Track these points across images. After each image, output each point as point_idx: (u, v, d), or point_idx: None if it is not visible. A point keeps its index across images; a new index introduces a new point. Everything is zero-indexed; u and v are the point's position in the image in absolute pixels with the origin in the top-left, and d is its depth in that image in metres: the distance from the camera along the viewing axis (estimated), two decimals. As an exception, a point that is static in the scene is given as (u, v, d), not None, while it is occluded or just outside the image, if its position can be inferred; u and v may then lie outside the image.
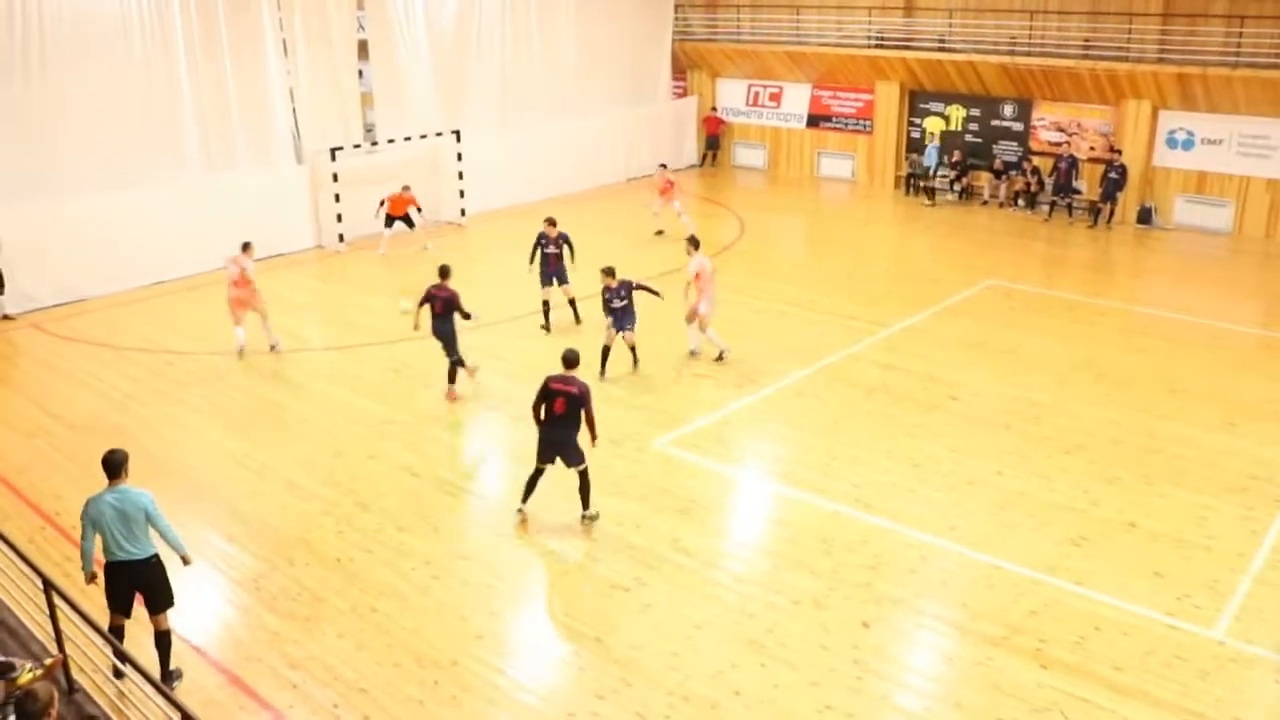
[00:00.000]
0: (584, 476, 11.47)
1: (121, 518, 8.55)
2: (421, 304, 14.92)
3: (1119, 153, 24.91)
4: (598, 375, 15.30)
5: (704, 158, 32.70)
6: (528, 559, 11.10)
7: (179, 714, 6.74)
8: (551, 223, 17.59)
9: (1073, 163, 25.83)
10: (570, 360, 11.37)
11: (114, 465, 8.64)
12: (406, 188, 22.12)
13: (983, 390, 15.31)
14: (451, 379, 15.01)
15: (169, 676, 8.91)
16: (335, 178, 22.56)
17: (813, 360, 16.35)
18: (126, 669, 7.99)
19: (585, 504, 11.58)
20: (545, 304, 17.57)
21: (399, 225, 22.26)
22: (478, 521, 11.93)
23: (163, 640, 8.92)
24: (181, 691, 8.53)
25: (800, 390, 15.33)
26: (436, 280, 15.01)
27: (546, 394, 11.24)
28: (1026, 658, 9.42)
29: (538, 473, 11.54)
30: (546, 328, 17.51)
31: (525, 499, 11.67)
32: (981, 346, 16.94)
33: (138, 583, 8.74)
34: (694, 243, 16.41)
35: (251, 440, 13.74)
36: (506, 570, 10.83)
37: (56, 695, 6.68)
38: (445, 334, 14.86)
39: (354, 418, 14.36)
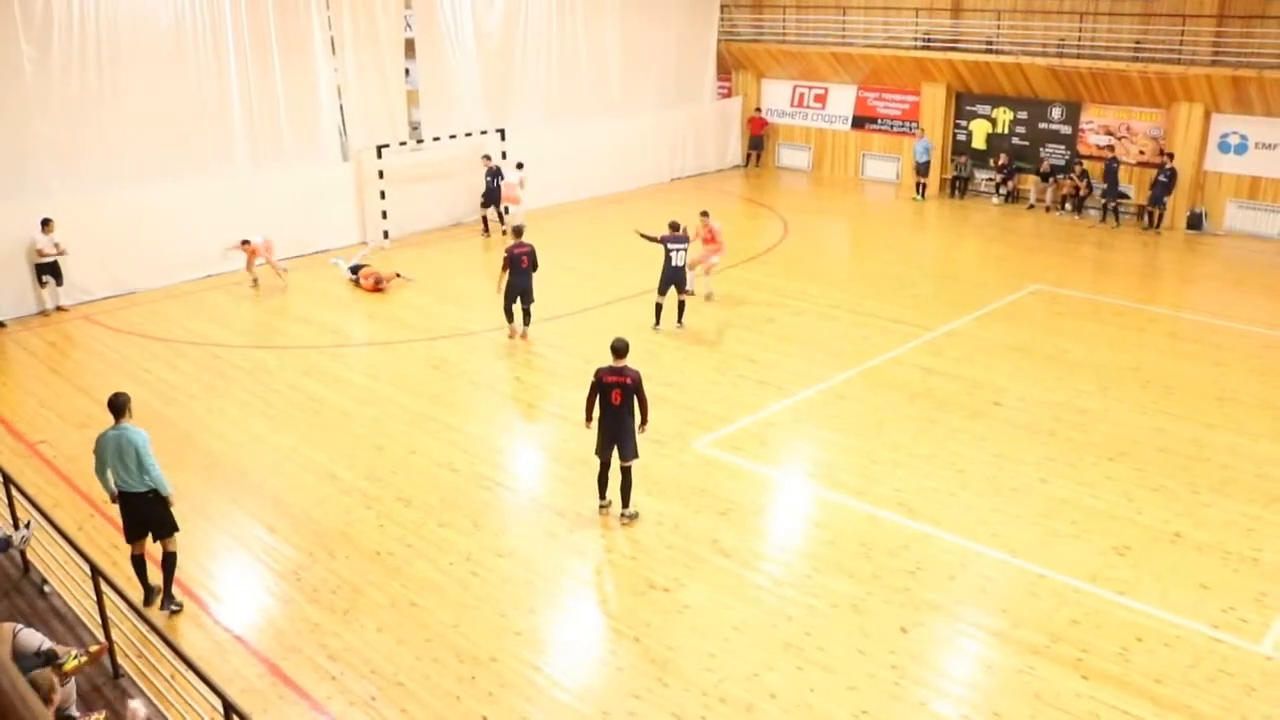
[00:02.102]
0: (629, 474, 11.49)
1: (119, 453, 9.50)
2: (504, 267, 16.47)
3: (1170, 156, 24.56)
4: (652, 327, 17.34)
5: (748, 158, 32.62)
6: (567, 557, 11.12)
7: (220, 701, 6.84)
8: (675, 226, 17.41)
9: (1113, 165, 25.56)
10: (620, 349, 11.30)
11: (116, 407, 9.71)
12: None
13: (1027, 396, 15.16)
14: (526, 321, 16.94)
15: (167, 600, 9.87)
16: (381, 175, 22.73)
17: (855, 363, 16.27)
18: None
19: (625, 502, 11.60)
20: (658, 306, 17.64)
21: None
22: (517, 519, 11.97)
23: (167, 561, 9.88)
24: (222, 680, 8.61)
25: (842, 393, 15.26)
26: (514, 241, 16.75)
27: (601, 387, 11.21)
28: (1067, 667, 9.32)
29: (605, 466, 11.55)
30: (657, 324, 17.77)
31: (603, 494, 11.73)
32: (1026, 351, 16.78)
33: (140, 513, 9.70)
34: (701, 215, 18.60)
35: (295, 433, 13.89)
36: (545, 568, 10.86)
37: (57, 682, 6.97)
38: (526, 286, 16.65)
39: (395, 413, 14.47)
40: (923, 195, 28.31)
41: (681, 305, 17.51)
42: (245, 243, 20.02)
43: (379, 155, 22.68)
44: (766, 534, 11.79)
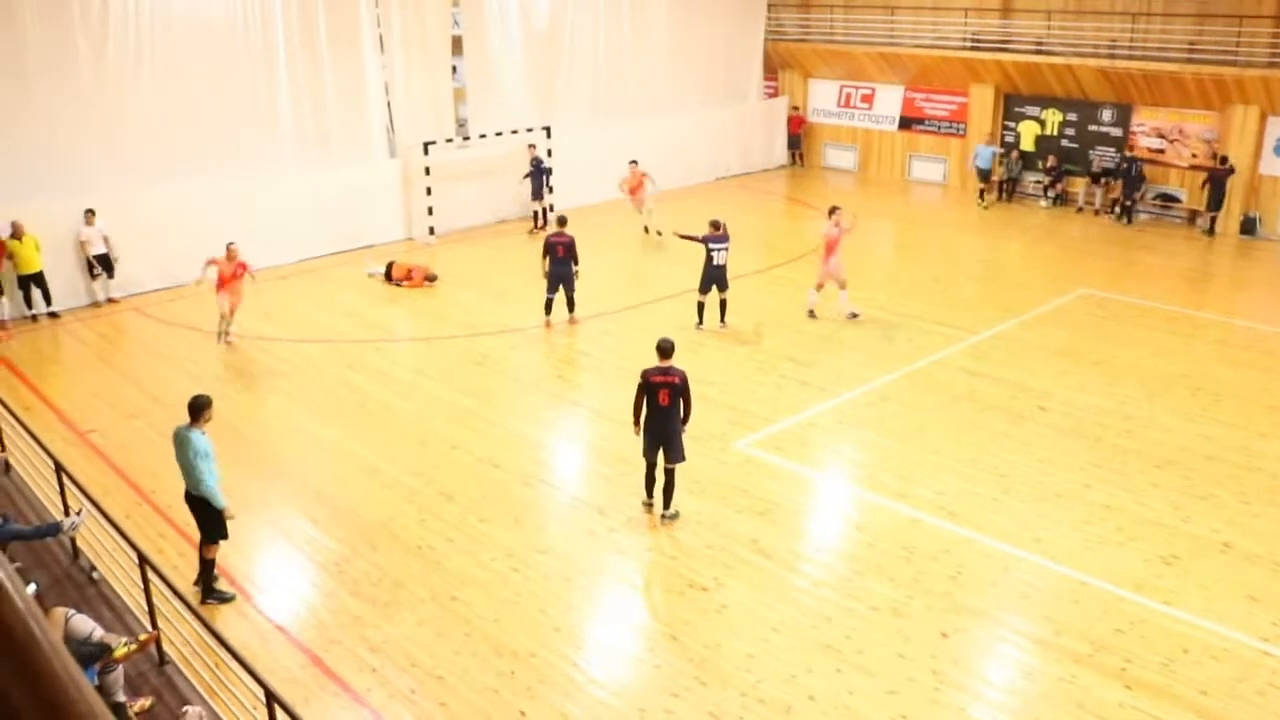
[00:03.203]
0: (673, 476, 11.50)
1: (180, 452, 9.76)
2: (545, 254, 17.30)
3: (1224, 160, 24.11)
4: (695, 326, 17.39)
5: (793, 157, 32.51)
6: (607, 555, 11.14)
7: (263, 690, 6.92)
8: (716, 225, 17.34)
9: (1134, 164, 25.61)
10: (666, 350, 11.31)
11: (192, 409, 9.78)
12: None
13: (1073, 401, 14.98)
14: (569, 309, 17.69)
15: (205, 594, 10.06)
16: (427, 171, 22.88)
17: (899, 365, 16.17)
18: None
19: (667, 504, 11.60)
20: (700, 305, 17.60)
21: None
22: (558, 516, 12.01)
23: (203, 565, 10.06)
24: (264, 669, 8.71)
25: (886, 395, 15.17)
26: (557, 230, 17.58)
27: (648, 388, 11.21)
28: (1110, 677, 9.21)
29: (651, 467, 11.57)
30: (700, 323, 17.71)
31: (650, 493, 11.76)
32: (1073, 356, 16.58)
33: (193, 512, 10.00)
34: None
35: (338, 427, 14.02)
36: (586, 565, 10.89)
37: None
38: (566, 275, 17.31)
39: (438, 408, 14.57)
40: (984, 201, 27.56)
41: (724, 304, 17.49)
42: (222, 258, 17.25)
43: (426, 152, 22.84)
44: (807, 535, 11.75)
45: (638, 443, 11.65)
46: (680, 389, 11.17)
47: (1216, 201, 24.26)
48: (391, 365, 16.26)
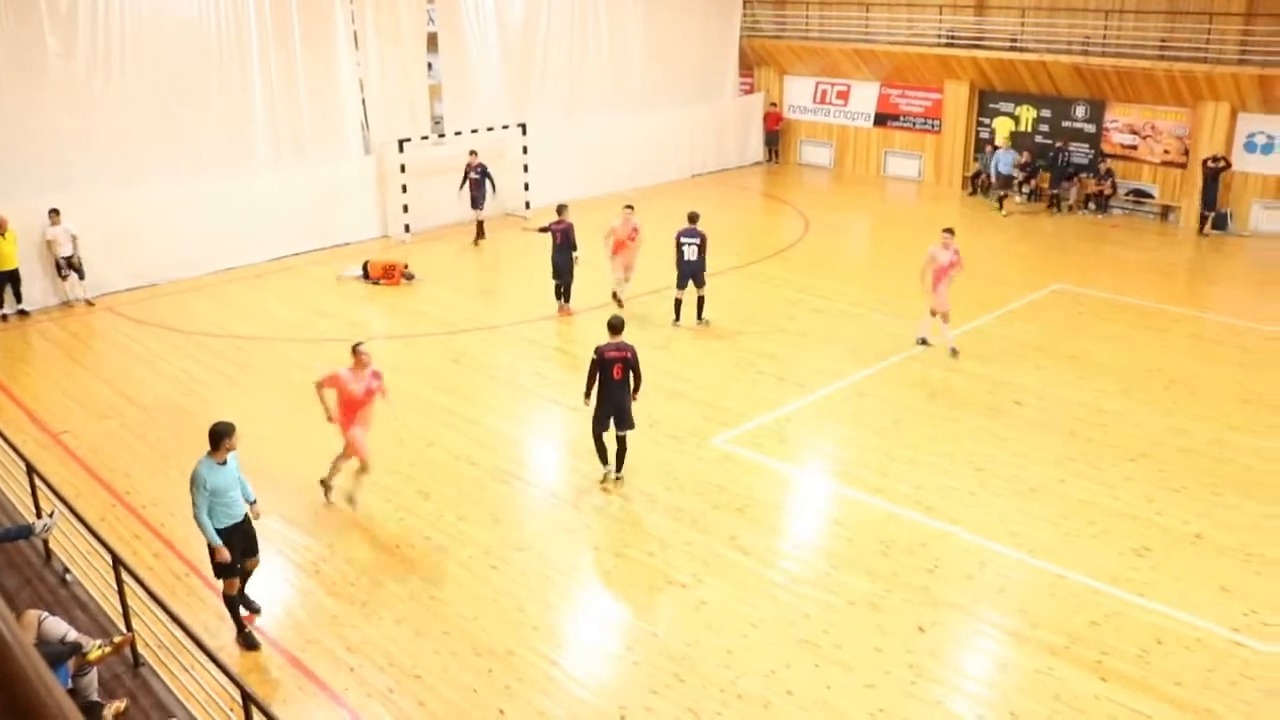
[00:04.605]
0: (625, 442, 12.25)
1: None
2: (543, 229, 17.89)
3: (1220, 158, 24.10)
4: (672, 323, 17.50)
5: (769, 154, 32.56)
6: (585, 552, 11.14)
7: (239, 692, 6.88)
8: (692, 218, 17.48)
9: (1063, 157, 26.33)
10: (617, 326, 12.18)
11: (209, 436, 9.16)
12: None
13: (1048, 395, 15.08)
14: (566, 299, 18.11)
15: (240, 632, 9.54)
16: (403, 169, 22.79)
17: (875, 361, 16.22)
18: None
19: (620, 466, 12.31)
20: (678, 301, 17.69)
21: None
22: (535, 513, 12.00)
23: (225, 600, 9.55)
24: (241, 670, 8.69)
25: (862, 390, 15.22)
26: (559, 217, 17.75)
27: (603, 363, 11.87)
28: (1086, 669, 9.27)
29: (599, 437, 12.22)
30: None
31: (605, 460, 12.32)
32: (1047, 351, 16.68)
33: None
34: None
35: (314, 427, 13.89)
36: (563, 563, 10.88)
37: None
38: (562, 263, 17.70)
39: (415, 406, 14.50)
40: (1003, 209, 26.49)
41: (700, 301, 17.50)
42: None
43: (400, 149, 22.74)
44: (785, 531, 11.79)
45: (593, 418, 12.17)
46: (632, 363, 11.96)
47: (1210, 200, 24.35)
48: (368, 363, 16.16)
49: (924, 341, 16.74)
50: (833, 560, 10.97)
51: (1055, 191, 26.40)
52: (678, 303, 17.49)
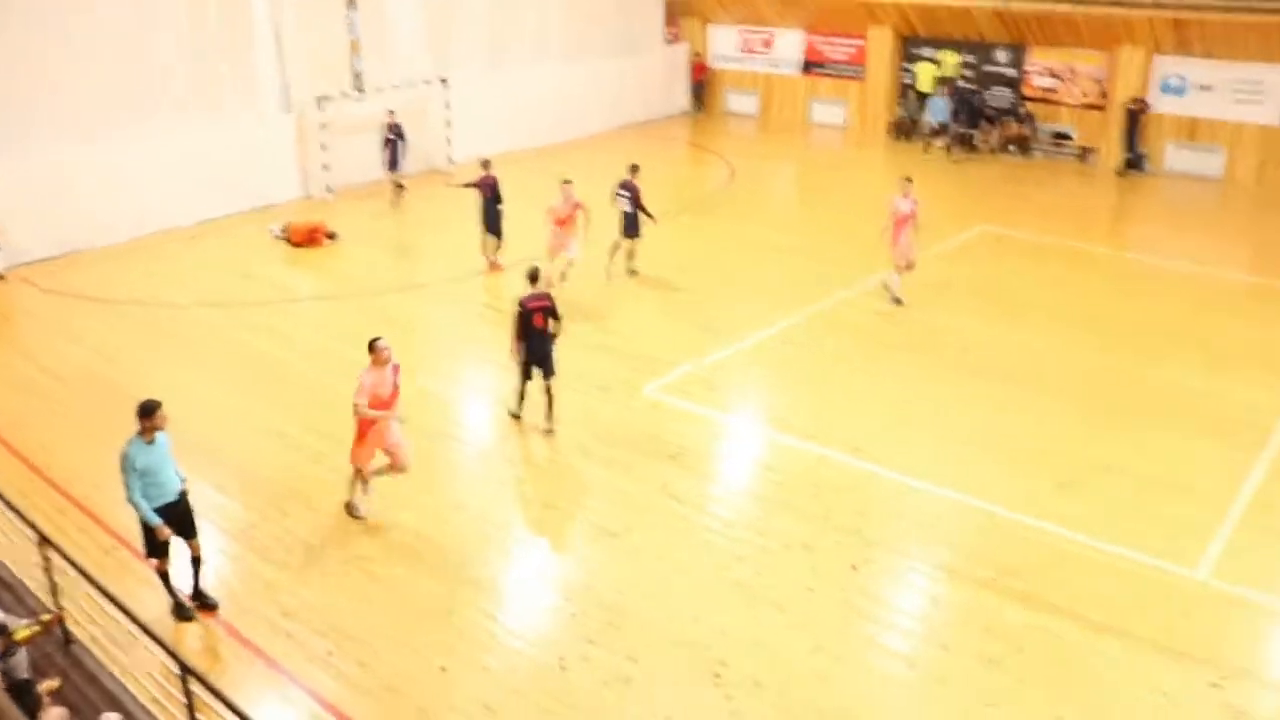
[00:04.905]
0: (551, 390, 12.37)
1: None
2: (468, 185, 17.95)
3: (1140, 100, 24.59)
4: (605, 273, 17.46)
5: (695, 104, 32.47)
6: (520, 507, 11.17)
7: (176, 664, 6.82)
8: (632, 170, 17.54)
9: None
10: (535, 276, 12.32)
11: (137, 414, 8.88)
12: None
13: (975, 335, 15.35)
14: (495, 250, 17.88)
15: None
16: (323, 126, 22.37)
17: (804, 306, 16.36)
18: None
19: (550, 415, 12.43)
20: (613, 251, 17.70)
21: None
22: (470, 471, 11.99)
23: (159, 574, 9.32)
24: (176, 642, 8.62)
25: (790, 336, 15.36)
26: (484, 172, 17.66)
27: (526, 314, 12.04)
28: (1013, 599, 9.53)
29: (524, 384, 12.53)
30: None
31: (520, 406, 12.65)
32: (974, 292, 16.94)
33: None
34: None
35: (241, 392, 13.76)
36: (499, 518, 10.90)
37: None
38: (490, 218, 17.63)
39: (344, 368, 14.27)
40: (948, 152, 26.77)
41: (631, 253, 17.50)
42: None
43: (320, 107, 22.31)
44: (716, 477, 11.91)
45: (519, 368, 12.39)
46: (552, 310, 12.18)
47: (1131, 141, 24.84)
48: (294, 327, 15.96)
49: (898, 301, 16.43)
50: (765, 504, 11.12)
51: (971, 132, 26.76)
52: (613, 253, 17.52)
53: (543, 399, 12.39)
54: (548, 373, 12.31)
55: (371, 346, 10.52)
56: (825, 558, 10.11)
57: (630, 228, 17.18)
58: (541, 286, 12.39)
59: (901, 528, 10.70)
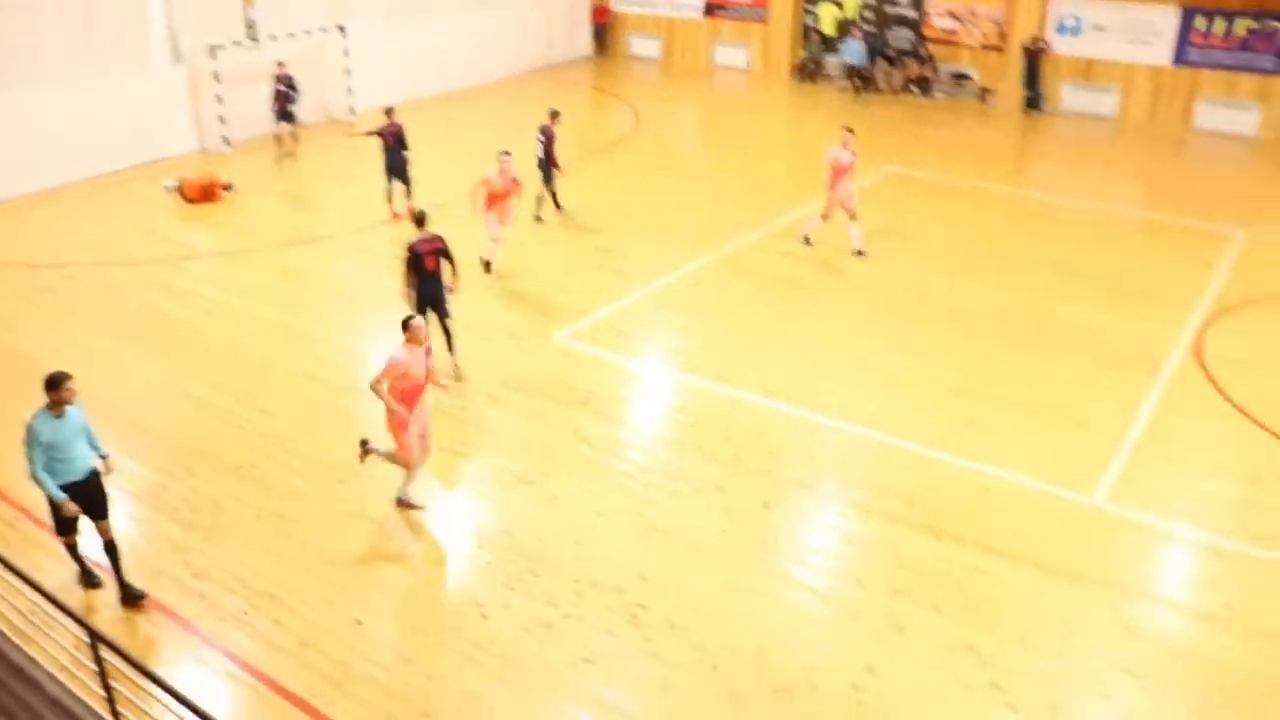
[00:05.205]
0: (450, 329, 12.43)
1: None
2: (371, 134, 17.69)
3: (1039, 40, 25.00)
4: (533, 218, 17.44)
5: (598, 47, 32.17)
6: (434, 456, 11.08)
7: (85, 631, 6.70)
8: (552, 115, 17.40)
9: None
10: (422, 218, 12.32)
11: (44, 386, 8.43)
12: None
13: (880, 275, 15.59)
14: (407, 198, 17.53)
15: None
16: (216, 77, 21.70)
17: (711, 249, 16.45)
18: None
19: (452, 350, 12.51)
20: (552, 195, 17.71)
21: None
22: (380, 424, 11.84)
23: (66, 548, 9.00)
24: (84, 610, 8.47)
25: (699, 280, 15.45)
26: (388, 120, 17.44)
27: (417, 256, 12.03)
28: (922, 532, 9.80)
29: (445, 333, 12.38)
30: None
31: (451, 353, 12.52)
32: (879, 232, 17.14)
33: None
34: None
35: (143, 351, 13.42)
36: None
37: None
38: (395, 165, 17.45)
39: (248, 324, 14.09)
40: (857, 93, 27.13)
41: (539, 199, 17.42)
42: None
43: (213, 56, 21.62)
44: (629, 422, 11.98)
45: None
46: (445, 252, 12.20)
47: (1031, 81, 25.29)
48: (195, 283, 15.55)
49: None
50: (677, 448, 11.22)
51: (869, 72, 27.05)
52: (538, 199, 17.57)
53: (443, 341, 12.35)
54: (443, 315, 12.31)
55: (406, 325, 9.65)
56: (738, 499, 10.27)
57: (545, 174, 17.15)
58: (421, 209, 12.49)
59: (812, 466, 10.90)
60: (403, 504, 10.16)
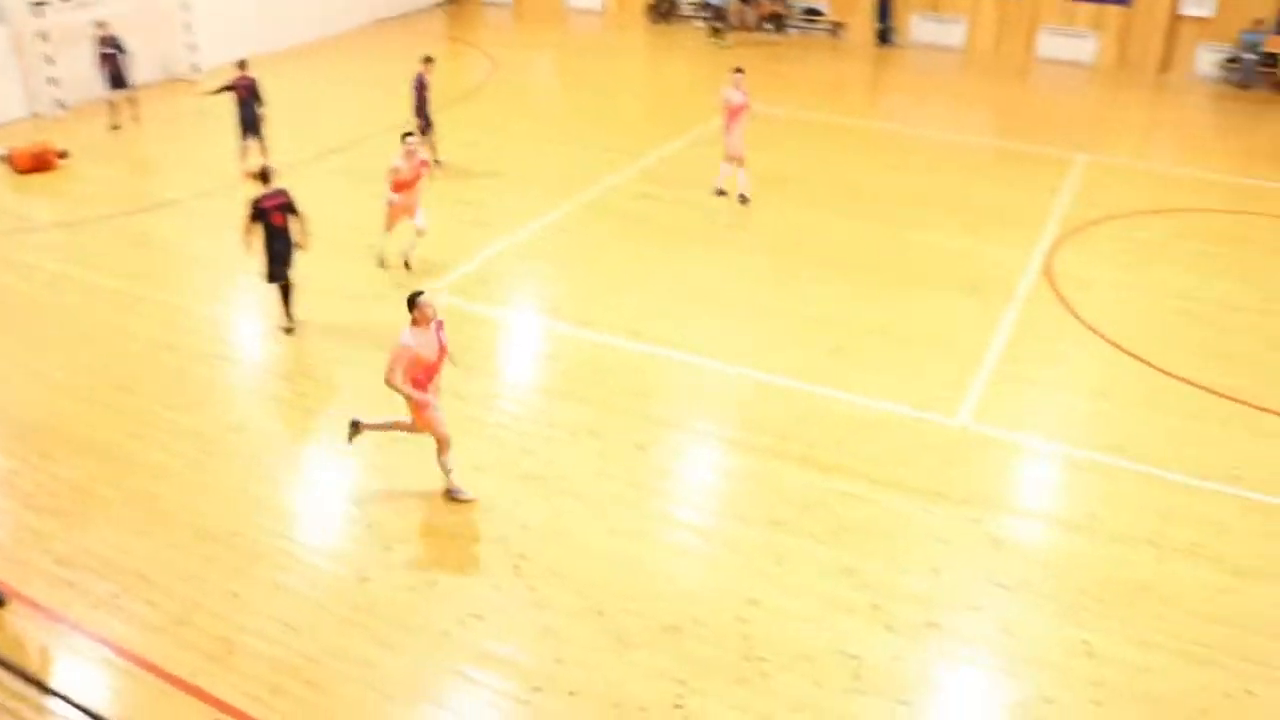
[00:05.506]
0: (290, 284, 12.28)
1: None
2: (223, 89, 16.99)
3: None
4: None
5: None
6: (300, 423, 10.89)
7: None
8: (427, 60, 17.16)
9: None
10: (267, 174, 12.06)
11: None
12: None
13: (742, 213, 15.75)
14: (263, 154, 16.80)
15: None
16: (42, 36, 20.52)
17: (573, 194, 16.38)
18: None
19: (289, 314, 12.38)
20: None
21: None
22: (246, 390, 11.57)
23: None
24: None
25: (563, 226, 15.38)
26: (240, 73, 16.85)
27: (263, 212, 11.82)
28: (795, 462, 10.03)
29: (283, 288, 12.26)
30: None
31: (290, 314, 12.39)
32: (738, 171, 17.31)
33: None
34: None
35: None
36: (280, 437, 10.62)
37: None
38: (250, 119, 16.89)
39: (97, 297, 13.50)
40: (720, 38, 26.70)
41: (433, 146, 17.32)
42: None
43: (38, 14, 20.42)
44: (499, 373, 11.92)
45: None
46: (291, 206, 11.98)
47: (884, 13, 25.66)
48: (35, 256, 14.80)
49: (721, 192, 16.33)
50: (549, 395, 11.22)
51: (725, 11, 27.08)
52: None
53: (279, 297, 12.26)
54: (291, 269, 12.18)
55: (413, 303, 9.04)
56: (613, 442, 10.33)
57: (421, 123, 16.95)
58: (266, 165, 12.24)
59: (684, 405, 11.03)
60: (454, 496, 9.50)
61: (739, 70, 16.11)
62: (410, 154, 13.46)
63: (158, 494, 9.70)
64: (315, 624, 8.17)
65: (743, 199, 16.11)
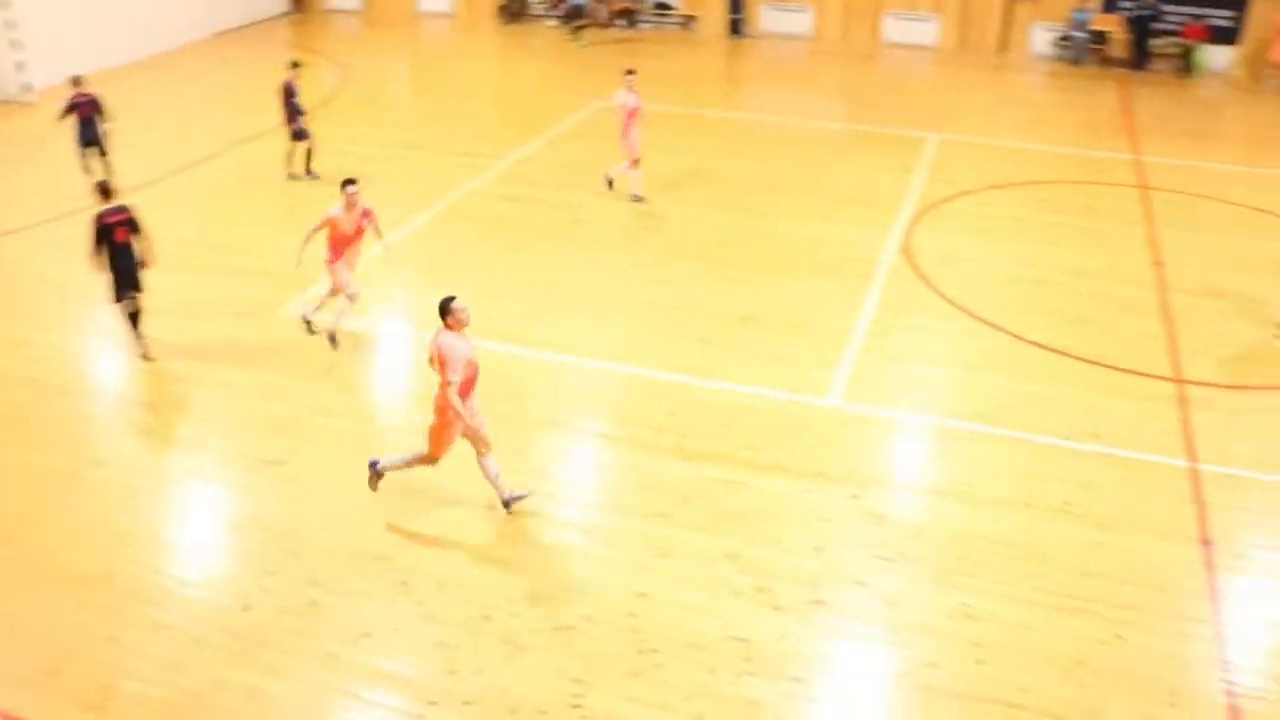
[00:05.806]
0: (140, 307, 11.89)
1: None
2: (67, 112, 16.12)
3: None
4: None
5: (293, 3, 30.77)
6: (166, 451, 10.54)
7: None
8: (294, 66, 16.89)
9: None
10: (107, 189, 11.61)
11: None
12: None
13: (604, 209, 15.83)
14: (108, 171, 16.07)
15: None
16: None
17: (434, 201, 16.23)
18: None
19: (140, 336, 12.00)
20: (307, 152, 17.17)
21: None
22: (107, 423, 11.15)
23: None
24: None
25: (426, 233, 15.23)
26: (77, 90, 16.14)
27: (106, 228, 11.41)
28: (672, 454, 10.14)
29: (129, 309, 11.83)
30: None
31: (140, 338, 12.00)
32: (597, 167, 17.32)
33: None
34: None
35: None
36: (147, 468, 10.26)
37: None
38: (91, 137, 16.27)
39: (-61, 336, 12.86)
40: (579, 37, 26.68)
41: (290, 158, 17.17)
42: None
43: None
44: (370, 387, 11.79)
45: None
46: (136, 223, 11.60)
47: (735, 4, 26.05)
48: None
49: (638, 199, 16.19)
50: (422, 404, 11.00)
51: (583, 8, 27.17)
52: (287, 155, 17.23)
53: (127, 320, 11.86)
54: (138, 288, 11.75)
55: (447, 308, 8.61)
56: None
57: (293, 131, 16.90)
58: (105, 179, 11.85)
59: (558, 404, 11.05)
60: (514, 500, 9.33)
61: (631, 72, 16.11)
62: (351, 204, 11.74)
63: (18, 540, 9.26)
64: (198, 659, 7.93)
65: (636, 198, 16.18)
